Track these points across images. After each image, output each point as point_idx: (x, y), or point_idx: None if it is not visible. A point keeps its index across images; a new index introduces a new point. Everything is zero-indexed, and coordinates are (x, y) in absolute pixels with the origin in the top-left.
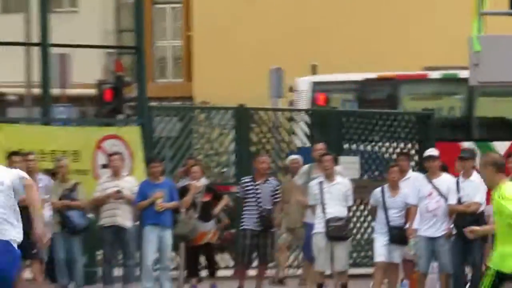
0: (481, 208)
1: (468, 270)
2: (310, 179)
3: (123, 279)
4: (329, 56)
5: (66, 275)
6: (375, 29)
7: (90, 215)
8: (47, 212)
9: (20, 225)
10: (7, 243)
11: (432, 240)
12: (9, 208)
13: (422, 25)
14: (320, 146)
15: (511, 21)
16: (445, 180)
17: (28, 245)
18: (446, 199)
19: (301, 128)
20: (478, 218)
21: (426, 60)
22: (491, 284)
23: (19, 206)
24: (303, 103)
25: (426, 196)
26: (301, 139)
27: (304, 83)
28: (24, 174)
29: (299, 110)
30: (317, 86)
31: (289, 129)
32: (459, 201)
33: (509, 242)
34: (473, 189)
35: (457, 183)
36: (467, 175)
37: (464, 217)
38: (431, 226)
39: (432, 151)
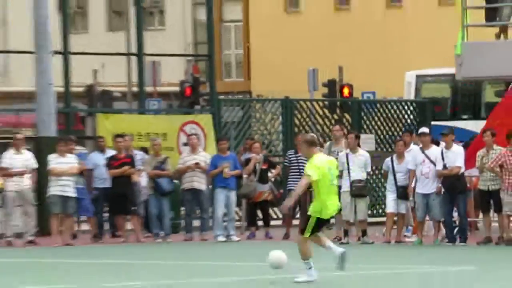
0: (461, 171)
1: (455, 218)
2: (330, 152)
3: (200, 229)
4: (353, 59)
5: (157, 226)
6: (390, 39)
7: (175, 181)
8: (143, 179)
9: None
10: None
11: (426, 195)
12: None
13: (427, 32)
14: (337, 127)
15: (488, 31)
16: (434, 151)
17: (128, 204)
18: (435, 165)
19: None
20: (460, 177)
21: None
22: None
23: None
24: (410, 93)
25: (420, 163)
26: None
27: (410, 76)
28: None
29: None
30: (420, 79)
31: (322, 115)
32: (445, 167)
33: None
34: (454, 156)
35: (442, 153)
36: (448, 146)
37: (449, 178)
38: (424, 185)
39: (424, 129)
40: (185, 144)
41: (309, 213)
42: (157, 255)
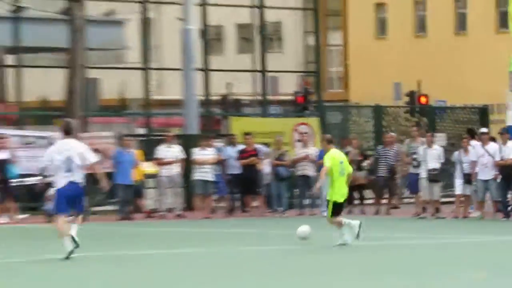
0: None
1: (510, 198)
2: (409, 147)
3: (310, 206)
4: (429, 74)
5: (277, 204)
6: (460, 61)
7: (291, 169)
8: (266, 167)
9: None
10: None
11: (485, 181)
12: None
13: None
14: (415, 128)
15: None
16: (492, 146)
17: (255, 186)
18: (493, 157)
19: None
20: None
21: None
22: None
23: None
24: None
25: (481, 155)
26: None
27: None
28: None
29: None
30: None
31: (404, 119)
32: (502, 158)
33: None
34: (509, 150)
35: (500, 147)
36: (504, 143)
37: (505, 167)
38: (484, 173)
39: (483, 129)
40: (298, 141)
41: (327, 198)
42: (282, 225)
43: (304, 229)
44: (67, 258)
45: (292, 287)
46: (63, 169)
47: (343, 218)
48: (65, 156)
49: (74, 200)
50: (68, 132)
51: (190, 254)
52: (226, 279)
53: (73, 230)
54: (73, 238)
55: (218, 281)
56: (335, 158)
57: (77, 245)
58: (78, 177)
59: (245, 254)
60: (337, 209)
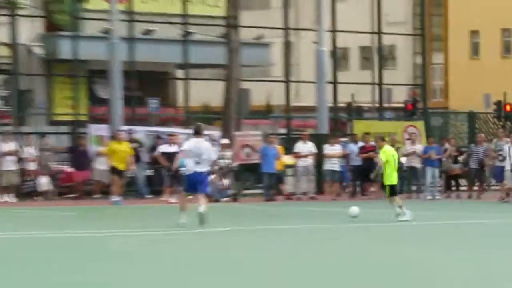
0: None
1: None
2: (496, 145)
3: (416, 191)
4: None
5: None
6: None
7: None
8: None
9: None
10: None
11: None
12: None
13: None
14: (501, 130)
15: None
16: None
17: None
18: None
19: None
20: None
21: None
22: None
23: None
24: None
25: None
26: None
27: None
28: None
29: None
30: None
31: (492, 123)
32: None
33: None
34: None
35: None
36: None
37: None
38: None
39: None
40: (408, 139)
41: (385, 183)
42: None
43: (354, 209)
44: (179, 227)
45: (392, 252)
46: (193, 161)
47: (400, 201)
48: (196, 152)
49: (198, 184)
50: (198, 133)
51: (321, 229)
52: (351, 248)
53: (201, 207)
54: (201, 214)
55: (346, 248)
56: (389, 152)
57: (203, 220)
58: (204, 168)
59: (365, 228)
60: (393, 190)
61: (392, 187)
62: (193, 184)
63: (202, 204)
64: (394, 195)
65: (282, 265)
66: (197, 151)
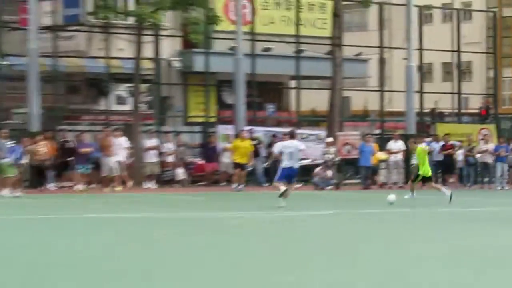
0: None
1: None
2: None
3: (488, 182)
4: None
5: (466, 180)
6: None
7: (476, 158)
8: (460, 156)
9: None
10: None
11: None
12: None
13: None
14: None
15: None
16: None
17: (451, 168)
18: None
19: None
20: None
21: None
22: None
23: None
24: None
25: None
26: None
27: None
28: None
29: None
30: None
31: None
32: None
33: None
34: None
35: None
36: None
37: None
38: None
39: None
40: (482, 139)
41: (419, 173)
42: (469, 194)
43: (391, 197)
44: (279, 208)
45: (447, 229)
46: (287, 158)
47: (441, 187)
48: (289, 151)
49: (290, 177)
50: (292, 136)
51: (413, 213)
52: (425, 229)
53: (288, 190)
54: (286, 190)
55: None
56: (422, 149)
57: (282, 195)
58: (295, 164)
59: (461, 214)
60: (427, 180)
61: (426, 178)
62: (287, 176)
63: (291, 189)
64: (416, 181)
65: (377, 239)
66: (290, 151)
